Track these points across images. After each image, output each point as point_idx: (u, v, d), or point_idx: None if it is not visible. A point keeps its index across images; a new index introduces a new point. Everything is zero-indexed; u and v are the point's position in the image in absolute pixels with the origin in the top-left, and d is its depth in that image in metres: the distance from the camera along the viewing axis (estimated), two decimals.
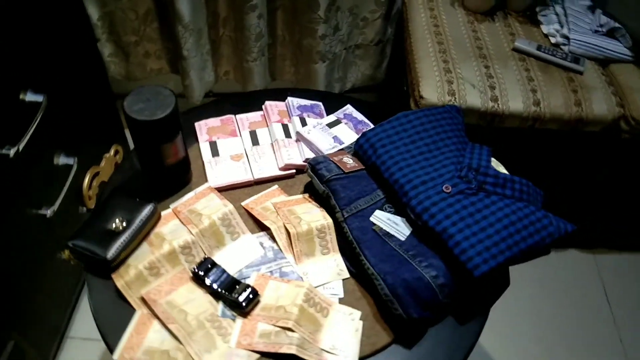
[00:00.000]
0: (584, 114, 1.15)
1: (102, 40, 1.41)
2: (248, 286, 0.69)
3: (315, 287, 0.72)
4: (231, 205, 0.77)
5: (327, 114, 0.94)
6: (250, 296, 0.68)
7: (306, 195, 0.82)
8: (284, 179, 0.85)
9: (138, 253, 0.73)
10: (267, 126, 0.90)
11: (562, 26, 1.29)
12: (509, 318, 1.40)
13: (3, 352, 1.00)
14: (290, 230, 0.74)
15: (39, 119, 0.99)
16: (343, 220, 0.74)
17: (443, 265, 0.69)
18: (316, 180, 0.78)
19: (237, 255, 0.74)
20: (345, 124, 0.91)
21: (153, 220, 0.75)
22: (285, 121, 0.90)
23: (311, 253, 0.75)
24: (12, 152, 0.93)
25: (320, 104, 0.95)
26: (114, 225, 0.73)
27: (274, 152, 0.86)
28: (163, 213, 0.77)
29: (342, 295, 0.72)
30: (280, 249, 0.75)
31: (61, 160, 1.15)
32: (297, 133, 0.87)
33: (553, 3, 1.35)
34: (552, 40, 1.29)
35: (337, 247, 0.76)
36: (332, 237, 0.76)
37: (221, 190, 0.81)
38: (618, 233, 1.51)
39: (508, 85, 1.16)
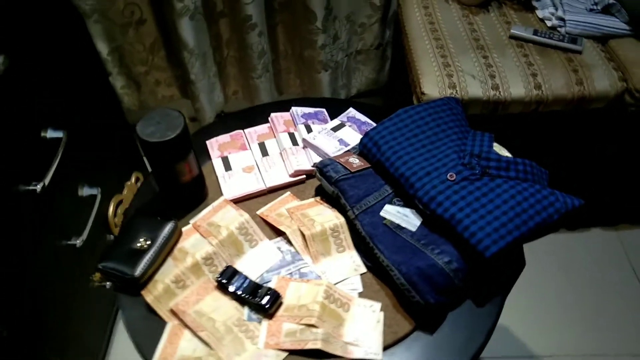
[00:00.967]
0: (587, 92, 1.16)
1: (113, 74, 1.47)
2: (270, 289, 0.72)
3: (335, 284, 0.74)
4: (247, 214, 0.80)
5: (331, 119, 0.97)
6: (273, 298, 0.71)
7: (317, 198, 0.85)
8: (295, 185, 0.88)
9: (164, 268, 0.76)
10: (275, 137, 0.94)
11: (556, 9, 1.31)
12: (534, 299, 1.40)
13: None
14: (305, 232, 0.77)
15: (60, 154, 1.04)
16: (354, 217, 0.77)
17: (455, 250, 0.72)
18: (325, 182, 0.81)
19: (257, 261, 0.78)
20: (350, 126, 0.94)
21: (175, 236, 0.79)
22: (291, 130, 0.94)
23: (327, 252, 0.77)
24: (38, 187, 0.98)
25: (324, 110, 0.99)
26: (138, 245, 0.77)
27: (283, 161, 0.90)
28: (184, 229, 0.81)
29: (361, 290, 0.75)
30: (297, 252, 0.78)
31: (85, 191, 1.20)
32: (304, 140, 0.91)
33: None
34: (548, 23, 1.30)
35: (351, 244, 0.79)
36: (345, 235, 0.79)
37: (236, 201, 0.85)
38: (638, 207, 1.50)
39: (508, 73, 1.18)
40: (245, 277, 0.74)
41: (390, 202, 0.79)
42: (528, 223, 0.71)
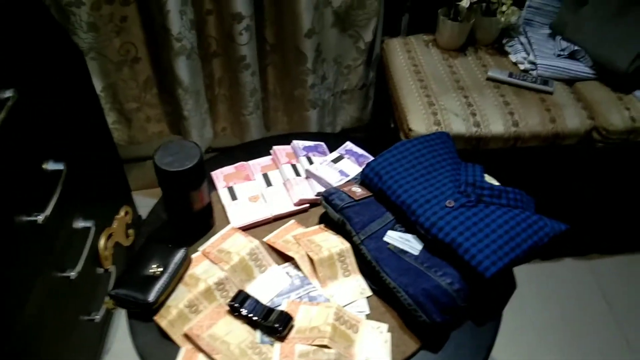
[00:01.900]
0: (560, 129, 1.25)
1: (105, 109, 1.50)
2: (282, 312, 0.75)
3: (343, 306, 0.78)
4: (257, 241, 0.84)
5: (330, 152, 1.03)
6: (285, 321, 0.74)
7: (321, 225, 0.89)
8: (298, 213, 0.92)
9: (176, 294, 0.78)
10: (278, 168, 0.99)
11: (528, 54, 1.43)
12: (516, 327, 1.45)
13: None
14: (313, 257, 0.80)
15: (61, 185, 1.06)
16: (360, 242, 0.81)
17: (456, 272, 0.77)
18: (331, 209, 0.85)
19: (267, 286, 0.81)
20: (348, 158, 1.00)
21: (186, 263, 0.81)
22: (294, 162, 0.99)
23: (334, 276, 0.81)
24: (40, 218, 0.99)
25: (323, 143, 1.04)
26: (151, 272, 0.79)
27: (287, 190, 0.94)
28: (193, 256, 0.84)
29: (368, 312, 0.78)
30: (306, 276, 0.81)
31: (80, 224, 1.21)
32: (307, 171, 0.95)
33: (517, 34, 1.49)
34: (521, 67, 1.42)
35: (357, 269, 0.83)
36: (351, 259, 0.83)
37: (243, 229, 0.88)
38: (608, 237, 1.59)
39: (487, 111, 1.27)
40: (257, 301, 0.77)
41: (393, 228, 0.83)
42: (522, 245, 0.77)
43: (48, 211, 1.01)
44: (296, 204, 0.92)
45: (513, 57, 1.44)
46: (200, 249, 0.85)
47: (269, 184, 0.96)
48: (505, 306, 0.82)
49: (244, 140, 1.62)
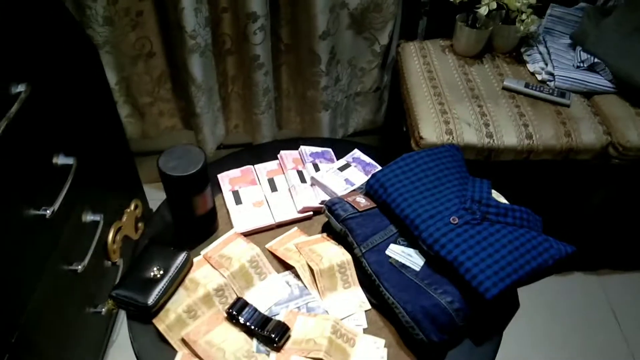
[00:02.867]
0: (574, 144, 1.23)
1: (119, 102, 1.51)
2: (279, 322, 0.75)
3: (341, 319, 0.78)
4: (258, 248, 0.84)
5: (337, 159, 1.02)
6: (282, 332, 0.74)
7: (324, 234, 0.89)
8: (302, 220, 0.92)
9: (175, 298, 0.79)
10: (284, 173, 0.98)
11: (546, 64, 1.40)
12: (521, 344, 1.44)
13: None
14: (313, 267, 0.80)
15: (70, 180, 1.07)
16: (361, 255, 0.81)
17: (457, 291, 0.76)
18: (333, 220, 0.85)
19: (266, 294, 0.81)
20: (355, 166, 0.99)
21: (187, 267, 0.82)
22: (300, 168, 0.98)
23: (333, 288, 0.81)
24: (48, 212, 1.00)
25: (330, 150, 1.04)
26: (152, 274, 0.79)
27: (292, 197, 0.94)
28: (195, 259, 0.84)
29: (365, 326, 0.78)
30: (305, 286, 0.81)
31: (88, 217, 1.22)
32: (312, 178, 0.95)
33: (536, 43, 1.46)
34: (539, 77, 1.39)
35: (357, 281, 0.82)
36: (352, 271, 0.82)
37: (246, 234, 0.88)
38: (619, 253, 1.56)
39: (501, 122, 1.25)
40: (255, 310, 0.77)
41: (395, 242, 0.83)
42: (525, 267, 0.75)
43: (56, 206, 1.02)
44: (300, 212, 0.91)
45: (531, 67, 1.42)
46: (203, 252, 0.85)
47: (274, 189, 0.95)
48: (508, 325, 0.81)
49: (255, 139, 1.62)
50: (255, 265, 0.82)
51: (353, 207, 0.85)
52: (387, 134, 1.78)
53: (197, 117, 1.49)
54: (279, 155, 1.01)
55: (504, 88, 1.35)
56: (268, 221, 0.90)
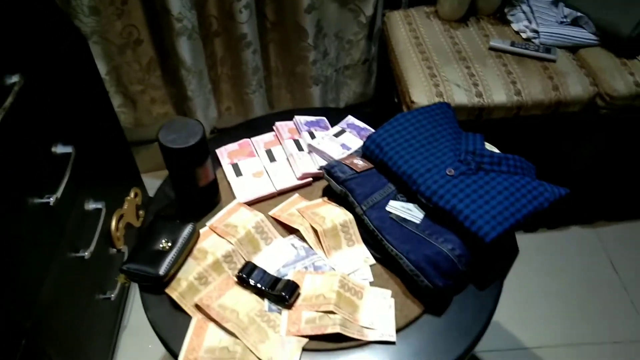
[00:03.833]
0: (562, 97, 1.25)
1: (110, 92, 1.52)
2: (288, 281, 0.77)
3: (347, 274, 0.80)
4: (262, 214, 0.86)
5: (332, 127, 1.04)
6: (292, 289, 0.76)
7: (325, 198, 0.91)
8: (302, 187, 0.94)
9: (185, 267, 0.81)
10: (281, 144, 1.00)
11: (530, 22, 1.42)
12: (522, 298, 1.47)
13: None
14: (317, 228, 0.82)
15: (70, 168, 1.08)
16: (363, 213, 0.83)
17: (457, 239, 0.78)
18: (333, 182, 0.87)
19: (273, 258, 0.83)
20: (350, 132, 1.01)
21: (194, 238, 0.84)
22: (296, 137, 1.00)
23: (338, 246, 0.83)
24: (51, 200, 1.02)
25: (324, 118, 1.05)
26: (160, 246, 0.81)
27: (290, 165, 0.96)
28: (201, 231, 0.86)
29: (371, 279, 0.80)
30: (311, 247, 0.84)
31: (91, 205, 1.24)
32: (309, 145, 0.97)
33: (519, 3, 1.47)
34: (524, 35, 1.41)
35: (360, 239, 0.85)
36: (354, 230, 0.85)
37: (248, 204, 0.90)
38: (613, 205, 1.60)
39: (490, 81, 1.27)
40: (264, 272, 0.79)
41: (395, 198, 0.85)
42: (522, 211, 0.78)
43: (59, 193, 1.04)
44: (300, 178, 0.93)
45: (515, 26, 1.43)
46: (208, 224, 0.87)
47: (272, 159, 0.97)
48: (509, 271, 0.84)
49: (248, 119, 1.63)
50: (261, 230, 0.85)
51: (351, 168, 0.88)
52: (379, 106, 1.80)
53: (188, 100, 1.50)
54: (274, 127, 1.03)
55: (491, 48, 1.37)
56: (269, 189, 0.92)
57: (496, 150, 0.90)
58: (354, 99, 1.76)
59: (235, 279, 0.79)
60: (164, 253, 0.80)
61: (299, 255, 0.83)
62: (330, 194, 0.91)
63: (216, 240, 0.84)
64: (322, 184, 0.94)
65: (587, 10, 1.35)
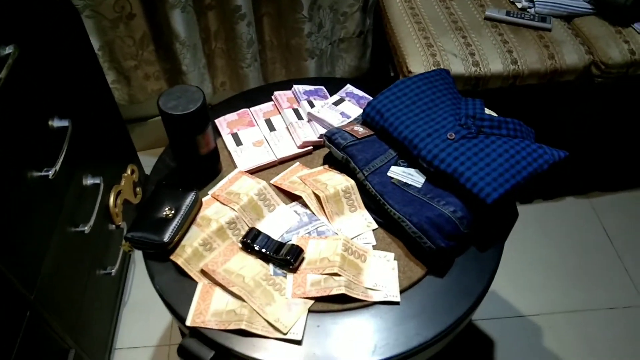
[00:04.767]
0: (558, 65, 1.26)
1: (104, 68, 1.50)
2: (293, 245, 0.78)
3: (351, 239, 0.81)
4: (264, 182, 0.86)
5: (330, 96, 1.04)
6: (297, 253, 0.77)
7: (326, 166, 0.91)
8: (303, 156, 0.94)
9: (189, 234, 0.81)
10: (280, 113, 1.00)
11: None
12: (519, 264, 1.50)
13: None
14: (319, 194, 0.83)
15: (67, 142, 1.07)
16: (364, 178, 0.84)
17: (459, 201, 0.79)
18: (334, 148, 0.87)
19: (277, 224, 0.83)
20: (349, 100, 1.01)
21: (197, 205, 0.84)
22: (295, 106, 1.00)
23: (340, 212, 0.84)
24: (50, 173, 1.01)
25: (323, 87, 1.05)
26: (164, 214, 0.81)
27: (291, 134, 0.96)
28: (203, 199, 0.86)
29: (374, 243, 0.81)
30: (313, 213, 0.84)
31: (89, 181, 1.23)
32: (309, 114, 0.97)
33: None
34: (519, 5, 1.40)
35: (362, 204, 0.85)
36: (356, 195, 0.85)
37: (250, 173, 0.90)
38: (608, 175, 1.62)
39: (486, 50, 1.27)
40: (268, 237, 0.80)
41: (396, 164, 0.86)
42: (522, 172, 0.79)
43: (57, 166, 1.03)
44: (300, 147, 0.93)
45: None
46: (210, 192, 0.88)
47: (272, 128, 0.97)
48: (509, 234, 0.85)
49: None
50: (264, 197, 0.85)
51: (352, 135, 0.88)
52: (374, 80, 1.79)
53: (183, 75, 1.49)
54: (273, 96, 1.03)
55: (486, 18, 1.37)
56: (270, 158, 0.92)
57: (495, 115, 0.90)
58: (350, 72, 1.75)
59: (240, 245, 0.80)
60: (168, 220, 0.80)
61: (302, 221, 0.84)
62: (331, 162, 0.92)
63: (219, 207, 0.84)
64: (322, 152, 0.94)
65: None
